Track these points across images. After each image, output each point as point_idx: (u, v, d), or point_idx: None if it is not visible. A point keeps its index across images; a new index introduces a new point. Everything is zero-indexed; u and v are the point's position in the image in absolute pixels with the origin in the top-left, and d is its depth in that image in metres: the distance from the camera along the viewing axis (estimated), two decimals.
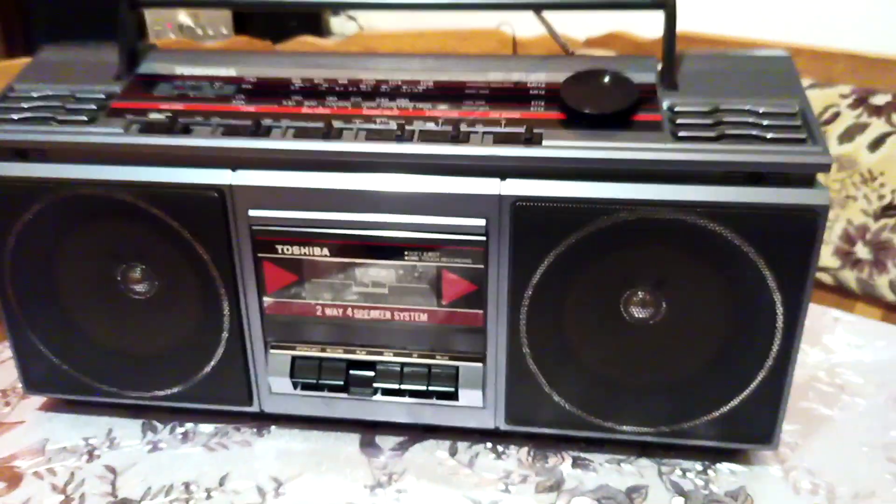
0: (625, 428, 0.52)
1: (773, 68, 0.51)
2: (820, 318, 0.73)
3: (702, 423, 0.51)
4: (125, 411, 0.59)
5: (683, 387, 0.51)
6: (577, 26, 1.29)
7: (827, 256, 1.21)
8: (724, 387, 0.50)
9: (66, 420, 0.59)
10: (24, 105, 0.52)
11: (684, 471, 0.53)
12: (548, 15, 0.59)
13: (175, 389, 0.56)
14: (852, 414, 0.59)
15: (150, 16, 1.88)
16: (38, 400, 0.61)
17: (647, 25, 1.32)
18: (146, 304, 0.54)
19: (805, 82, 1.31)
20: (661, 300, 0.49)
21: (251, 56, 0.57)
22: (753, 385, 0.50)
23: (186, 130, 0.50)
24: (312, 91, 0.52)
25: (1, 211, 0.51)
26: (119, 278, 0.53)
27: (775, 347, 0.48)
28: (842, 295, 1.19)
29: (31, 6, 1.68)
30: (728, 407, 0.50)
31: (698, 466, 0.53)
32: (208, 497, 0.51)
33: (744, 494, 0.51)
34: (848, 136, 1.23)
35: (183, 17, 1.96)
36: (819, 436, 0.57)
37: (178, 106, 0.52)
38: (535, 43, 1.44)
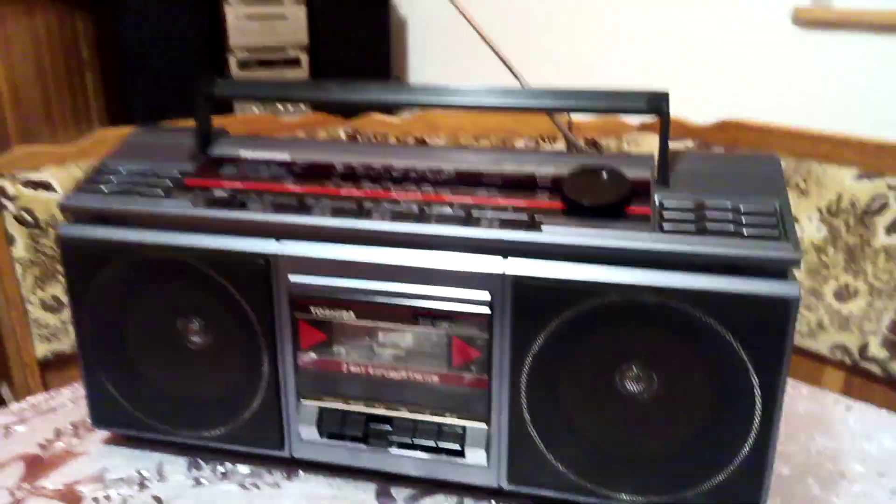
0: (620, 496, 0.56)
1: (761, 170, 0.57)
2: (832, 406, 0.75)
3: (690, 496, 0.55)
4: (174, 449, 0.66)
5: (673, 460, 0.55)
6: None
7: (875, 347, 1.21)
8: (710, 462, 0.54)
9: (124, 453, 0.67)
10: (113, 179, 0.62)
11: None
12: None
13: (218, 431, 0.63)
14: (847, 499, 0.61)
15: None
16: (103, 434, 0.69)
17: (697, 113, 1.39)
18: (200, 354, 0.62)
19: (852, 173, 1.34)
20: (652, 376, 0.54)
21: (305, 143, 0.66)
22: (737, 461, 0.53)
23: (243, 205, 0.58)
24: (350, 175, 0.61)
25: (85, 267, 0.61)
26: (179, 330, 0.62)
27: (755, 427, 0.52)
28: (888, 385, 1.18)
29: (131, 85, 1.88)
30: (714, 482, 0.54)
31: None
32: None
33: None
34: (894, 227, 1.24)
35: None
36: None
37: (238, 184, 0.61)
38: (589, 125, 1.51)
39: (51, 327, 1.41)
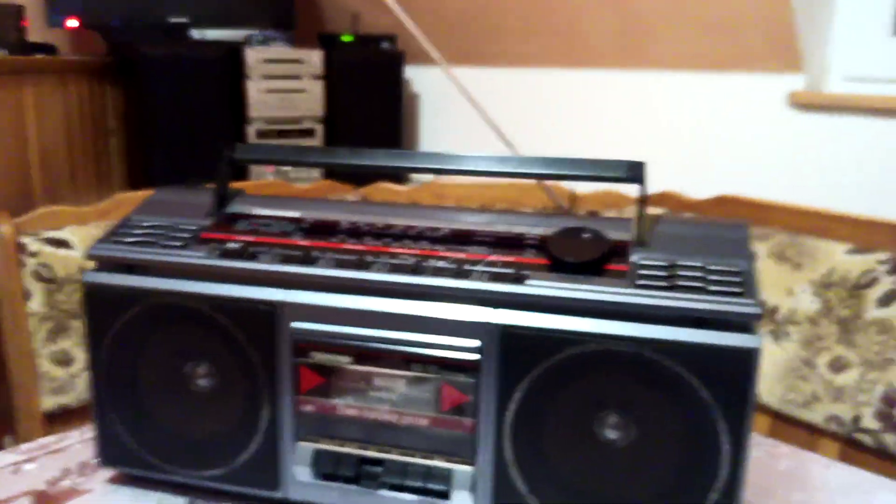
0: None
1: (731, 235, 0.61)
2: (809, 464, 0.77)
3: None
4: (174, 489, 0.69)
5: (652, 503, 0.58)
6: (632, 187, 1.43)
7: (868, 419, 1.23)
8: None
9: (127, 493, 0.70)
10: (137, 231, 0.68)
11: None
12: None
13: (217, 472, 0.66)
14: None
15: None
16: (107, 473, 0.72)
17: (696, 189, 1.45)
18: (204, 396, 0.65)
19: (844, 248, 1.39)
20: (629, 423, 0.57)
21: (313, 202, 0.71)
22: None
23: (253, 257, 0.63)
24: (354, 232, 0.66)
25: (105, 312, 0.66)
26: (187, 374, 0.66)
27: (724, 471, 0.55)
28: (881, 457, 1.19)
29: (153, 152, 1.98)
30: None
31: None
32: None
33: None
34: (885, 301, 1.28)
35: None
36: None
37: (250, 238, 0.66)
38: (591, 197, 1.57)
39: (59, 380, 1.45)
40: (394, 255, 0.62)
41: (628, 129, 2.09)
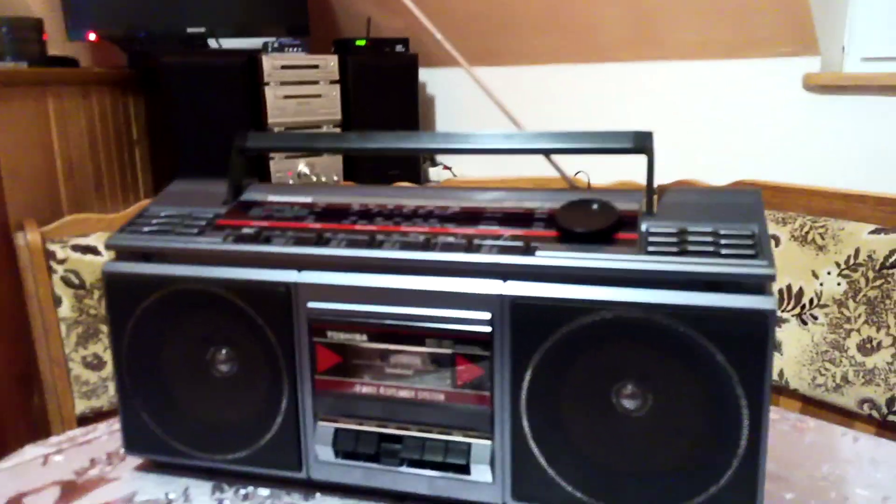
0: None
1: (742, 201, 0.61)
2: (839, 437, 0.76)
3: None
4: (200, 474, 0.70)
5: (669, 474, 0.57)
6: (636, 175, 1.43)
7: None
8: (704, 474, 0.56)
9: (154, 479, 0.71)
10: (153, 221, 0.69)
11: None
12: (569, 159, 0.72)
13: (241, 454, 0.67)
14: None
15: (275, 165, 2.18)
16: (134, 462, 0.74)
17: (716, 175, 1.44)
18: (226, 381, 0.66)
19: (868, 228, 1.37)
20: (646, 393, 0.57)
21: (326, 188, 0.72)
22: (728, 474, 0.56)
23: (267, 240, 0.64)
24: (365, 213, 0.67)
25: (127, 300, 0.67)
26: (208, 359, 0.67)
27: (744, 436, 0.55)
28: None
29: (177, 160, 2.01)
30: (707, 495, 0.56)
31: None
32: None
33: None
34: None
35: (302, 166, 2.25)
36: None
37: (265, 223, 0.67)
38: (608, 187, 1.57)
39: (91, 384, 1.48)
40: (404, 234, 0.63)
41: (646, 121, 2.08)
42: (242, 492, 0.68)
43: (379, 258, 0.61)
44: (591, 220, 0.59)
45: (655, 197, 0.62)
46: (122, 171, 2.03)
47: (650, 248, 0.57)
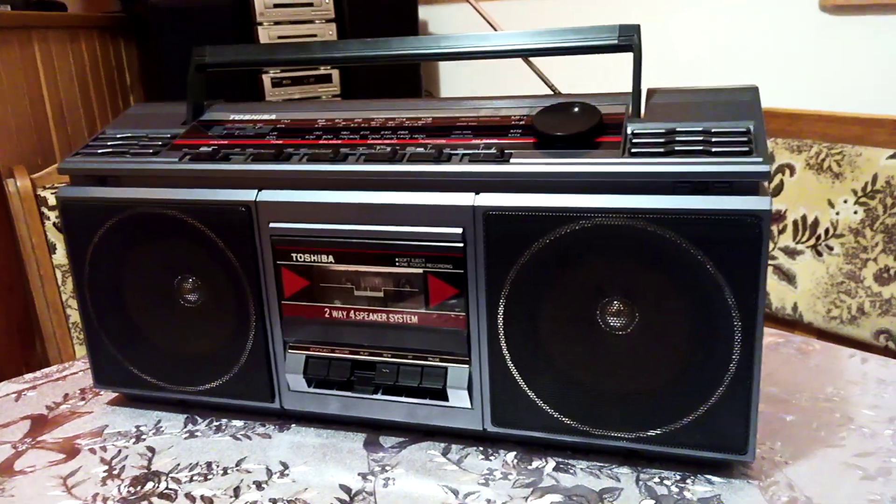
0: (604, 433, 0.55)
1: (737, 98, 0.56)
2: (846, 359, 0.72)
3: (676, 430, 0.53)
4: (174, 407, 0.68)
5: (659, 393, 0.53)
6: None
7: None
8: (693, 393, 0.52)
9: (126, 413, 0.68)
10: (109, 143, 0.65)
11: (662, 478, 0.54)
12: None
13: (212, 385, 0.64)
14: (851, 442, 0.58)
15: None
16: (108, 396, 0.71)
17: None
18: (194, 311, 0.63)
19: (886, 153, 1.30)
20: (633, 309, 0.52)
21: (292, 104, 0.68)
22: (720, 391, 0.51)
23: (225, 159, 0.60)
24: (331, 128, 0.62)
25: (82, 226, 0.63)
26: (174, 289, 0.63)
27: (736, 351, 0.50)
28: None
29: (175, 96, 1.96)
30: (697, 413, 0.52)
31: (677, 476, 0.55)
32: (224, 473, 0.58)
33: (716, 502, 0.52)
34: None
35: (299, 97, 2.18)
36: (809, 456, 0.56)
37: (224, 142, 0.63)
38: None
39: None
40: (370, 147, 0.58)
41: (655, 48, 1.99)
42: (216, 424, 0.65)
43: (342, 172, 0.57)
44: (570, 124, 0.54)
45: (643, 99, 0.57)
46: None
47: (634, 150, 0.52)
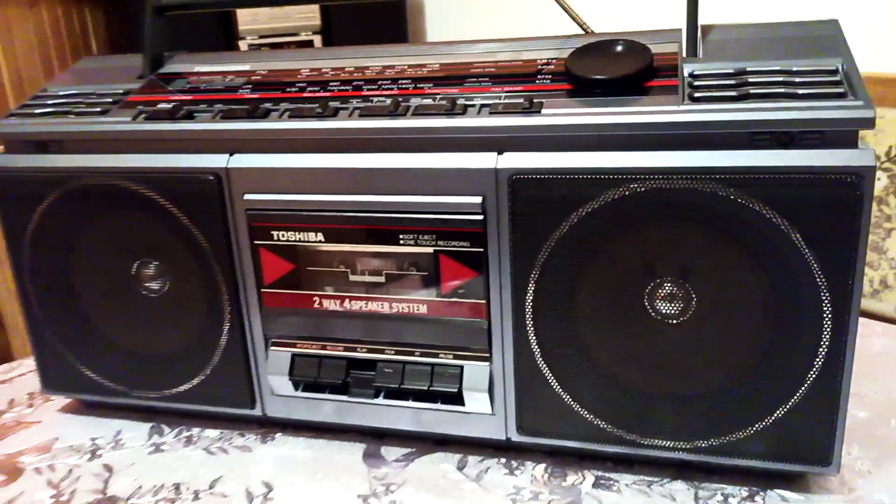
0: (654, 442, 0.46)
1: (816, 33, 0.45)
2: None
3: (744, 438, 0.44)
4: (137, 415, 0.58)
5: (720, 396, 0.44)
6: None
7: None
8: (767, 394, 0.43)
9: (81, 422, 0.58)
10: (49, 102, 0.54)
11: (726, 496, 0.45)
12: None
13: (180, 388, 0.54)
14: None
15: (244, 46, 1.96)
16: (60, 402, 0.61)
17: None
18: (157, 301, 0.53)
19: None
20: (690, 293, 0.43)
21: (269, 53, 0.57)
22: (802, 390, 0.42)
23: (189, 117, 0.49)
24: (317, 80, 0.51)
25: (19, 202, 0.53)
26: (134, 276, 0.53)
27: (824, 344, 0.41)
28: None
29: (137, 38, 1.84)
30: (773, 417, 0.43)
31: (744, 492, 0.45)
32: (195, 499, 0.48)
33: None
34: None
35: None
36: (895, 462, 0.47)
37: (187, 97, 0.52)
38: None
39: None
40: (367, 99, 0.48)
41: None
42: (185, 434, 0.55)
43: (332, 130, 0.46)
44: (614, 66, 0.44)
45: (699, 35, 0.47)
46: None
47: (697, 95, 0.41)
